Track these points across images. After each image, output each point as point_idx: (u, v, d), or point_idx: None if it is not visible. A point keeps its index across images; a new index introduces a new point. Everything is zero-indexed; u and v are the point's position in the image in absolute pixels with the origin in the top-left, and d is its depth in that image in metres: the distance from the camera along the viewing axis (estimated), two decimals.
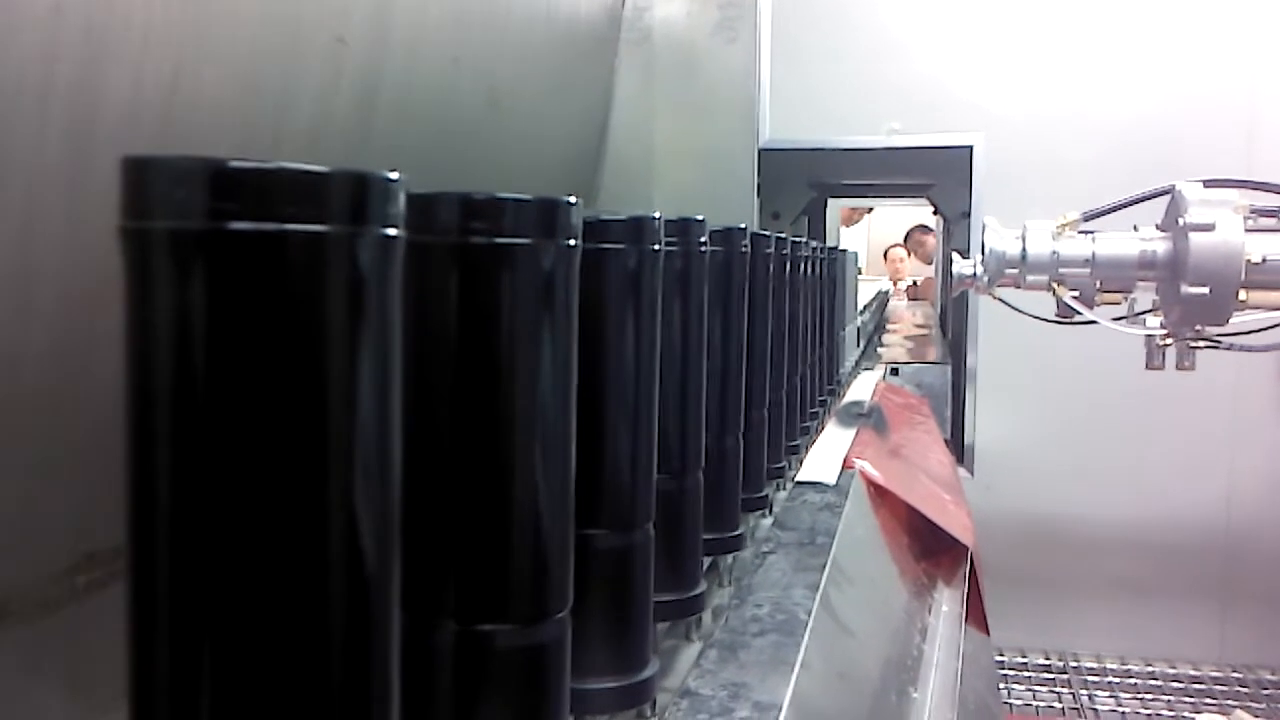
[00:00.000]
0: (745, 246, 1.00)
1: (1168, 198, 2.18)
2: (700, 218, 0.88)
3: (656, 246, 0.73)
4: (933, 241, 5.54)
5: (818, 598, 1.02)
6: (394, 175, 0.43)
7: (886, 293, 5.72)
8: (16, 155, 0.71)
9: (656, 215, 0.73)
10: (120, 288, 0.40)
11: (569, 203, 0.58)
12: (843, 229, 5.43)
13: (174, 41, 0.88)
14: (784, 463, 1.31)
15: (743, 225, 0.99)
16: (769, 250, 1.13)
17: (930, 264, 5.96)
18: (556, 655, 0.60)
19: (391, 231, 0.42)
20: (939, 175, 3.15)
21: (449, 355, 0.56)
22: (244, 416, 0.39)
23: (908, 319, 4.59)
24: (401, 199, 0.43)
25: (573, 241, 0.59)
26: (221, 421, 0.39)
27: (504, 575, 0.58)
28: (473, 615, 0.58)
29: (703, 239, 0.87)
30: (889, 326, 4.12)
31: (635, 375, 0.73)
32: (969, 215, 2.95)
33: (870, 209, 6.43)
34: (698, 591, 0.87)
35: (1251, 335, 2.20)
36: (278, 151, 1.09)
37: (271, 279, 0.39)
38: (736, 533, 1.01)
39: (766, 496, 1.19)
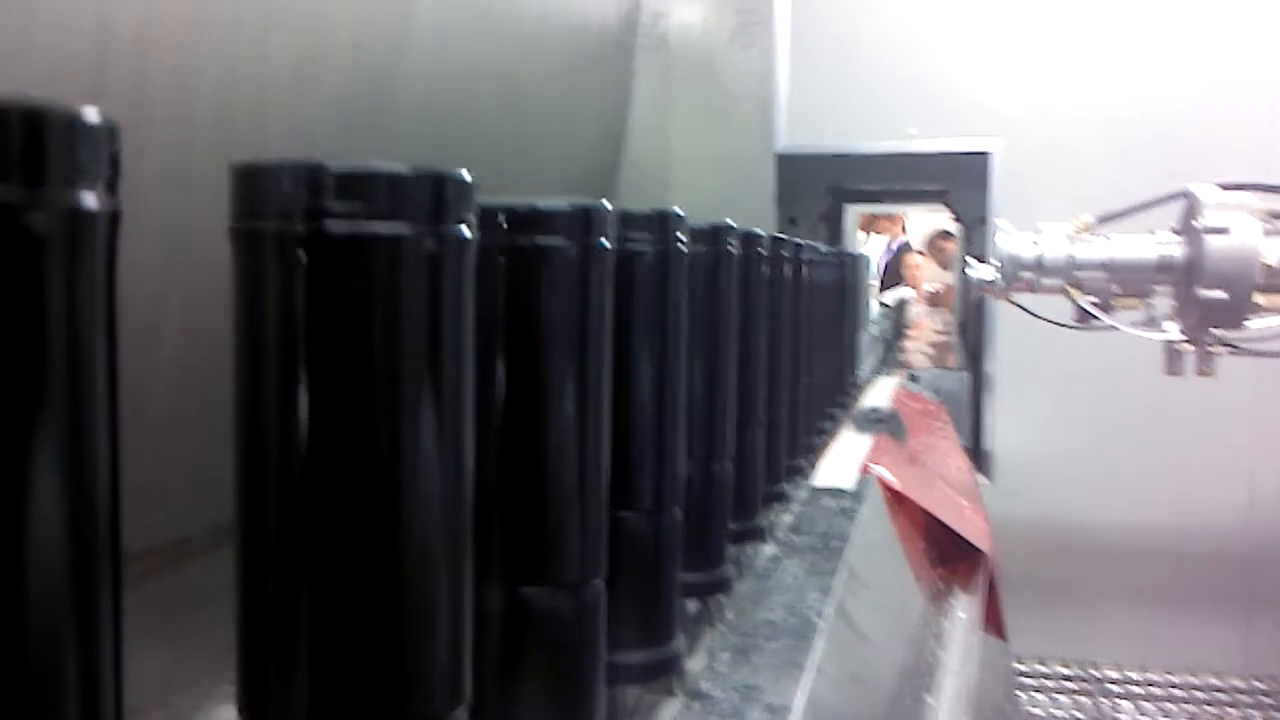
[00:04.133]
0: (733, 245, 0.82)
1: (1184, 201, 2.06)
2: (679, 211, 0.70)
3: (605, 241, 0.56)
4: (953, 247, 5.34)
5: (832, 601, 0.95)
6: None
7: (905, 300, 5.54)
8: None
9: (605, 204, 0.56)
10: None
11: (460, 179, 0.41)
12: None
13: (181, 46, 0.80)
14: (783, 485, 1.12)
15: (729, 221, 0.81)
16: (763, 250, 0.95)
17: (950, 270, 5.77)
18: None
19: None
20: (956, 181, 3.03)
21: (292, 376, 0.39)
22: None
23: (926, 325, 4.42)
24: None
25: (465, 230, 0.42)
26: None
27: (378, 662, 0.41)
28: (336, 715, 0.41)
29: (680, 235, 0.70)
30: (908, 332, 3.96)
31: (579, 396, 0.56)
32: (986, 221, 2.80)
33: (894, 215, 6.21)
34: (673, 649, 0.70)
35: (1269, 340, 2.08)
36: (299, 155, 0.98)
37: None
38: (721, 571, 0.82)
39: (761, 526, 1.01)
